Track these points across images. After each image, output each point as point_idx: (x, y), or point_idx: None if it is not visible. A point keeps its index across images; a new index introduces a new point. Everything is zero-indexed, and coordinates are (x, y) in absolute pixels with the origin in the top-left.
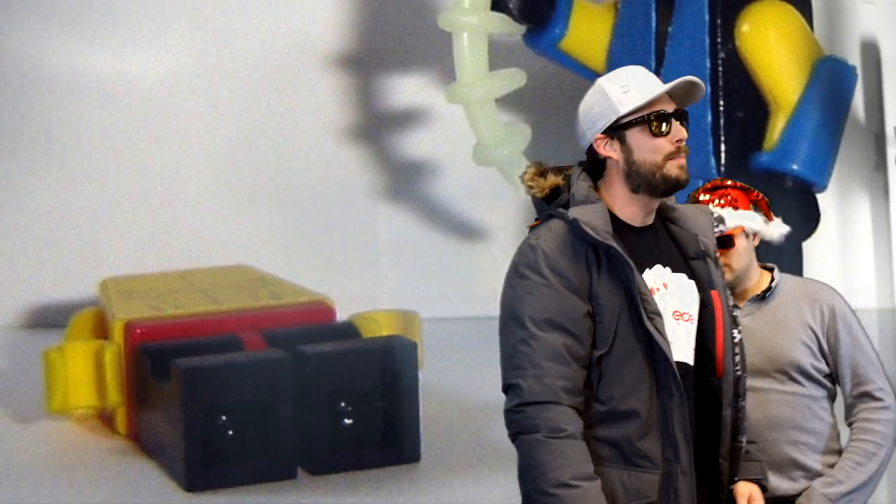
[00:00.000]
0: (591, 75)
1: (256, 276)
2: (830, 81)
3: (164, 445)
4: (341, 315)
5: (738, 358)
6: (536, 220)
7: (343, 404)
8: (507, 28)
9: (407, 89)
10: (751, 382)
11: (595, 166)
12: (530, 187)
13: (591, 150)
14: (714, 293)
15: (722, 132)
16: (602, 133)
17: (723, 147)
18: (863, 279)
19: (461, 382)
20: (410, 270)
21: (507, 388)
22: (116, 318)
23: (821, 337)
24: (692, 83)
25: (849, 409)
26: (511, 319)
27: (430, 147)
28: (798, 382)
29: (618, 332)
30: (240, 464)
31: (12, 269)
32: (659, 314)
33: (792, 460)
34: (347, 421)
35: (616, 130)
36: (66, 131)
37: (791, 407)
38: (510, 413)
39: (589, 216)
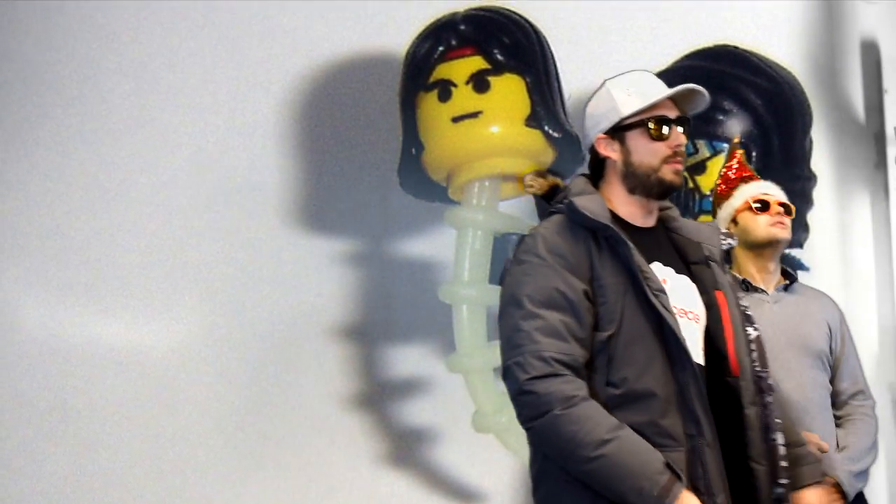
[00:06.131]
0: None
1: None
2: None
3: None
4: None
5: (755, 355)
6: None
7: None
8: None
9: (409, 359)
10: (786, 363)
11: (596, 166)
12: (531, 186)
13: (593, 150)
14: (719, 293)
15: None
16: (604, 133)
17: None
18: (863, 279)
19: None
20: None
21: (507, 372)
22: None
23: (834, 335)
24: (694, 90)
25: (841, 403)
26: (510, 304)
27: (431, 415)
28: (820, 370)
29: (624, 311)
30: None
31: None
32: (664, 291)
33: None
34: None
35: (617, 132)
36: (81, 399)
37: (817, 394)
38: (519, 397)
39: (586, 202)
